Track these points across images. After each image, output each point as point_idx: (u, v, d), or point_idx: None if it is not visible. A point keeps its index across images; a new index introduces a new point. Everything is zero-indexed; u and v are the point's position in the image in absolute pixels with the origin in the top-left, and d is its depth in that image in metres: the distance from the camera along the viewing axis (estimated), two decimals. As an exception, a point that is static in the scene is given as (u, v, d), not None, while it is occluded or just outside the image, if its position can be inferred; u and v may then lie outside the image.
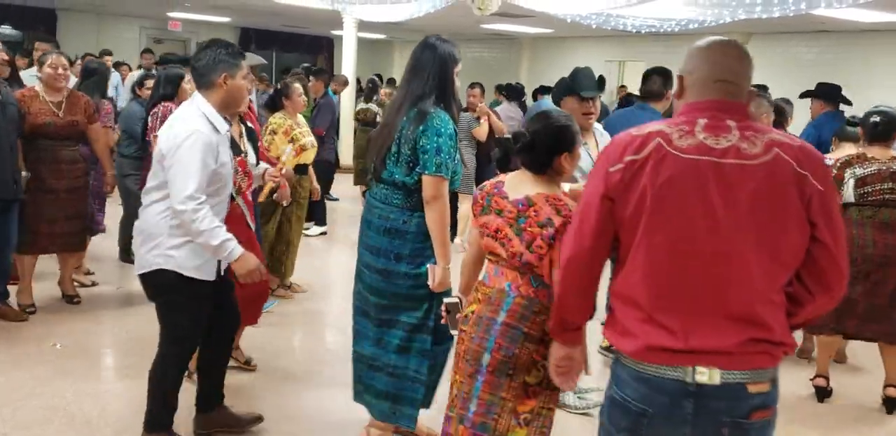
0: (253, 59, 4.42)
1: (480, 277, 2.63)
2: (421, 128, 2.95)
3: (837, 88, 5.85)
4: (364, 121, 9.30)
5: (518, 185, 2.47)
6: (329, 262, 7.17)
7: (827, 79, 6.30)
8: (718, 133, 1.81)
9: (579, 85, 3.68)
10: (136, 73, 10.55)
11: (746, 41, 11.94)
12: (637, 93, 5.67)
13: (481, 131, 7.22)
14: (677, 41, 13.02)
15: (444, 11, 9.82)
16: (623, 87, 14.08)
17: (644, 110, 4.51)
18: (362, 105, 9.25)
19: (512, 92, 9.49)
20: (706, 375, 1.77)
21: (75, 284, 5.29)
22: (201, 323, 3.10)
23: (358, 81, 13.17)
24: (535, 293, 2.42)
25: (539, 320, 2.39)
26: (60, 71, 4.64)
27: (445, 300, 2.77)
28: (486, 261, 2.62)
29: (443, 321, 2.77)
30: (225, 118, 3.07)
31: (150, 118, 4.88)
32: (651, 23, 9.56)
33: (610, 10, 8.72)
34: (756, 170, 1.77)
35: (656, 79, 4.50)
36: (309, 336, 5.08)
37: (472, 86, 7.74)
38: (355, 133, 9.57)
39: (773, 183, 1.77)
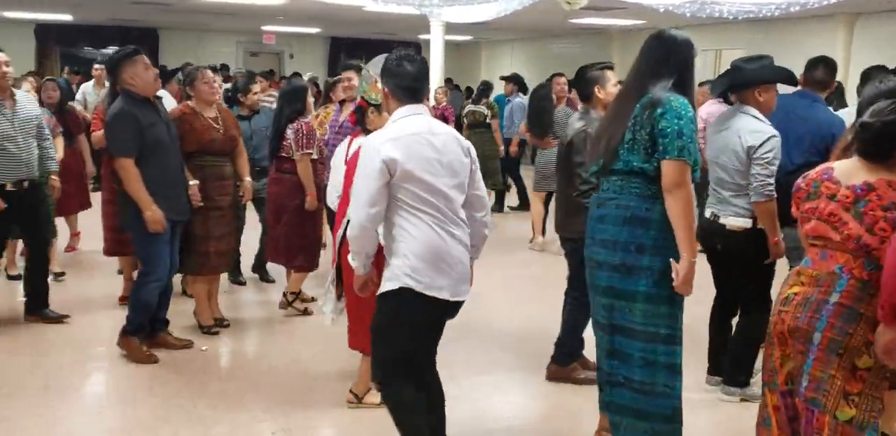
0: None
1: (801, 263, 2.66)
2: (659, 111, 2.72)
3: None
4: (473, 123, 9.12)
5: (853, 171, 2.52)
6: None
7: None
8: None
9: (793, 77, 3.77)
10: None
11: (853, 22, 11.35)
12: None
13: None
14: (777, 26, 12.52)
15: (531, 8, 9.74)
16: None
17: (804, 98, 4.33)
18: (471, 107, 9.15)
19: None
20: None
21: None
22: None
23: (455, 85, 13.10)
24: (868, 276, 2.46)
25: (875, 302, 2.43)
26: (215, 85, 4.51)
27: None
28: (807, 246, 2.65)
29: None
30: None
31: (292, 133, 4.85)
32: (749, 8, 9.21)
33: (705, -3, 8.46)
34: None
35: (822, 68, 4.35)
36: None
37: (557, 75, 7.41)
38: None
39: None
